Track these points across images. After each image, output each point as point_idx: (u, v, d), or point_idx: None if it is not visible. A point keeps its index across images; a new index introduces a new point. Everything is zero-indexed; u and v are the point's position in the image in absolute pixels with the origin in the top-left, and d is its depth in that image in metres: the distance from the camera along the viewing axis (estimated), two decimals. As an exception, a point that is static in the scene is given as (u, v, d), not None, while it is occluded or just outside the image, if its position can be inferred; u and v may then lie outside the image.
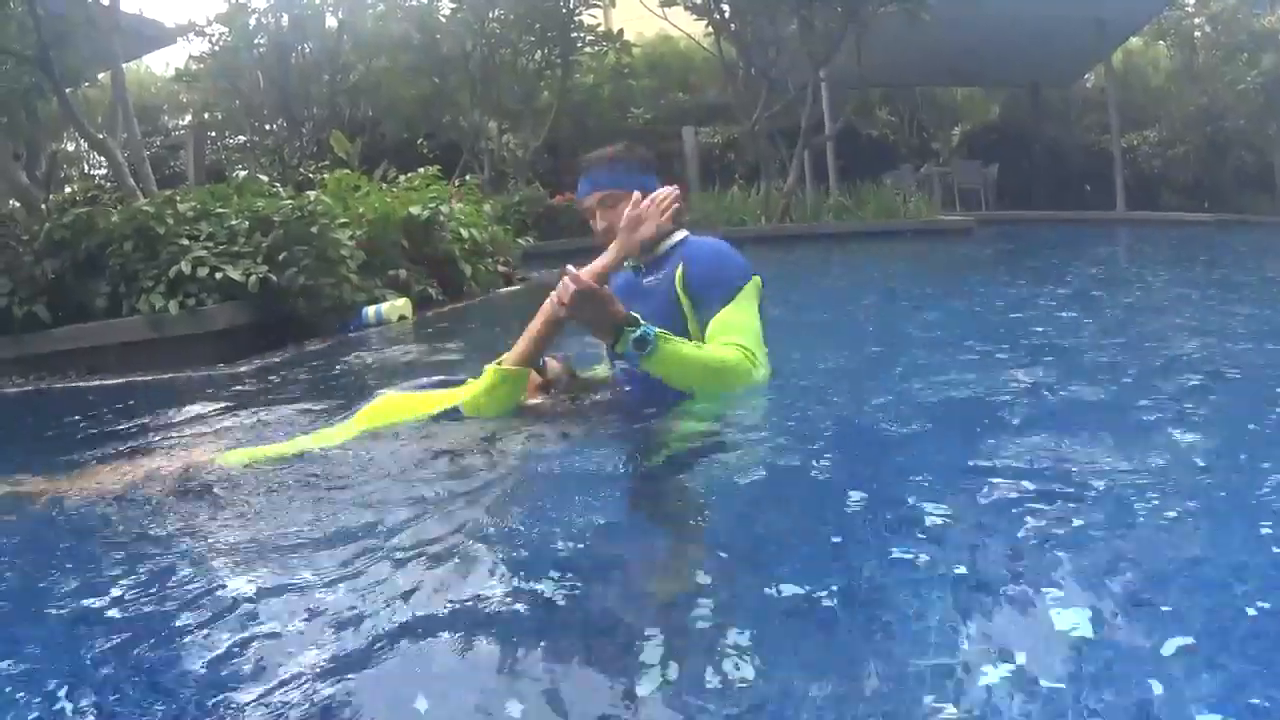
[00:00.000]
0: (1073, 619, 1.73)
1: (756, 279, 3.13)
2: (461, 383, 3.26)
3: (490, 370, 3.03)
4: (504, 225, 10.39)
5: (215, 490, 2.68)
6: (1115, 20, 18.47)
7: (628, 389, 3.25)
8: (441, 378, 3.69)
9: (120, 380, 5.78)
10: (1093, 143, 21.74)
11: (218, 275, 6.52)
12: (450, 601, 1.94)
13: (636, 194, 3.19)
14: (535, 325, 3.01)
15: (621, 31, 16.93)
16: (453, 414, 3.07)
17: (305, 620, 1.88)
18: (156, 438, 3.62)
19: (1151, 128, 21.48)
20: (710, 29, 15.96)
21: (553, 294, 2.78)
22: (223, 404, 4.34)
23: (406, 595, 1.97)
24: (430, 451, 2.88)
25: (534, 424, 3.06)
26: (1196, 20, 22.10)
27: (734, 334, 2.94)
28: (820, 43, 15.08)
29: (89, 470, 3.03)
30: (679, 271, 3.10)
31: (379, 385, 4.42)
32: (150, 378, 5.71)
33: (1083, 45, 18.99)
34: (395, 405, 3.24)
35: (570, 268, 2.73)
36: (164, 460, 3.04)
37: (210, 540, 2.33)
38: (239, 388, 4.92)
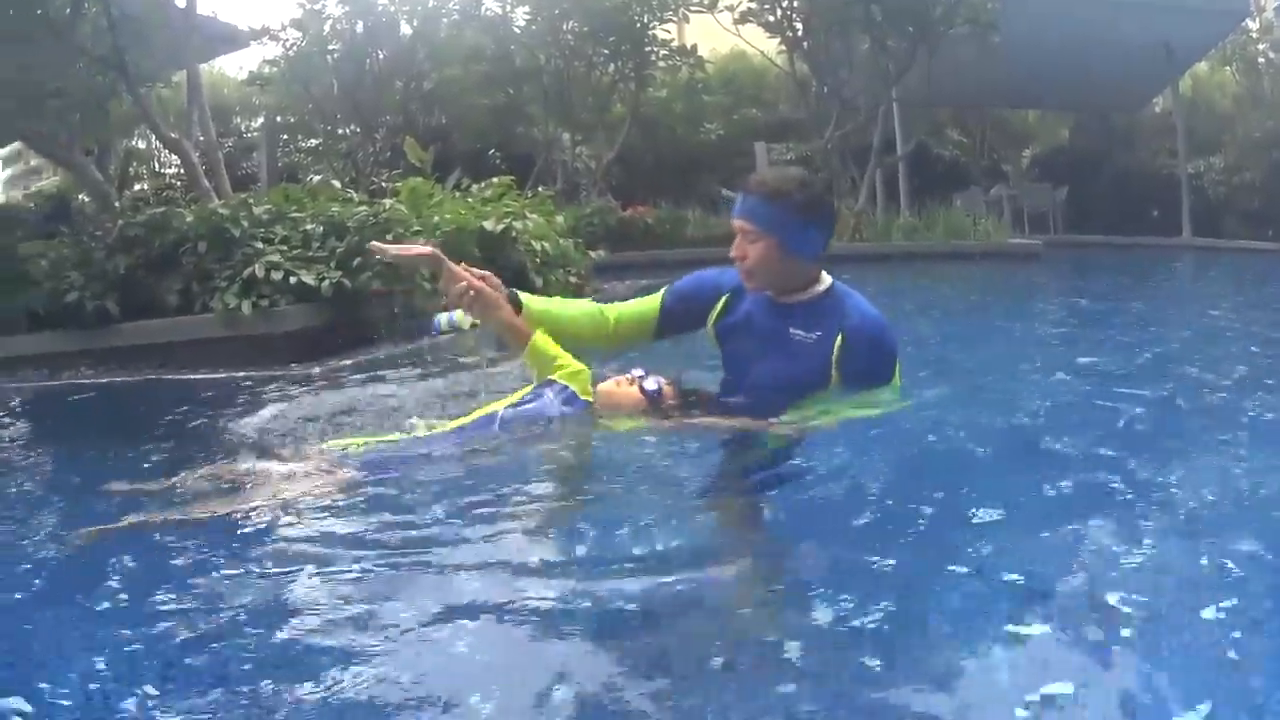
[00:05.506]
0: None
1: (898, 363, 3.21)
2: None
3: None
4: (575, 238, 10.36)
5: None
6: (1182, 45, 18.22)
7: (728, 405, 3.27)
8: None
9: (199, 376, 5.82)
10: (1160, 167, 21.40)
11: (291, 279, 6.55)
12: (512, 600, 2.00)
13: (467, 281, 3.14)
14: None
15: (695, 47, 16.88)
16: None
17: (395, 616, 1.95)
18: (259, 433, 3.70)
19: (1217, 154, 21.11)
20: (783, 46, 15.89)
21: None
22: (305, 402, 4.39)
23: (474, 591, 2.07)
24: (524, 460, 2.97)
25: (631, 439, 3.13)
26: (1260, 45, 21.74)
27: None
28: (892, 62, 15.00)
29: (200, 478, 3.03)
30: (837, 349, 3.11)
31: (450, 388, 4.46)
32: (225, 375, 5.74)
33: (1150, 70, 18.72)
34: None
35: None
36: (273, 460, 3.08)
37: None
38: (315, 387, 4.95)
